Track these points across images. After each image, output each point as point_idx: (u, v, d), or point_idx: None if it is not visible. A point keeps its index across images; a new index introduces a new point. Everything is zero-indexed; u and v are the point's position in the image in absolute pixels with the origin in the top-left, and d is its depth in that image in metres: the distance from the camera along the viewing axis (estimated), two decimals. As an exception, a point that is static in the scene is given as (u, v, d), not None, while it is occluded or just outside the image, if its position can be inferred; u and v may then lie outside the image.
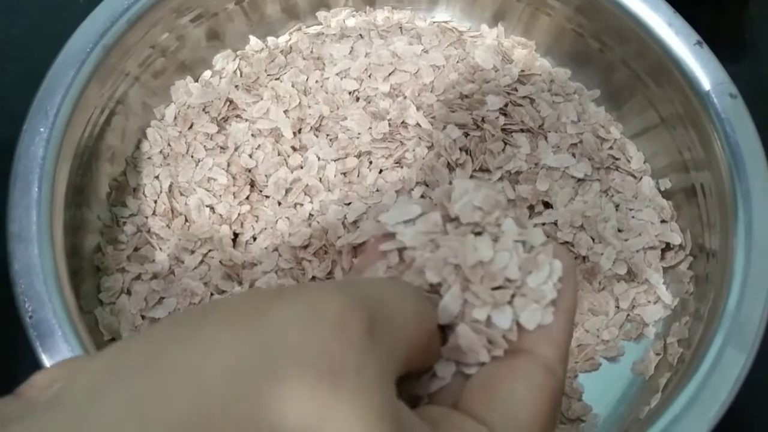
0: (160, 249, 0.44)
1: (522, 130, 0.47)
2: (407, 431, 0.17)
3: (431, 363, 0.20)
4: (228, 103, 0.47)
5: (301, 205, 0.45)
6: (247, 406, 0.15)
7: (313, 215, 0.45)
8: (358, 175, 0.46)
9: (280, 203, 0.45)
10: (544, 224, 0.45)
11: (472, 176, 0.45)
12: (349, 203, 0.45)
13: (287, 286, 0.18)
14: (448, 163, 0.45)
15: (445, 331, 0.21)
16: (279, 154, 0.46)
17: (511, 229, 0.21)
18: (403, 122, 0.46)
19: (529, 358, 0.20)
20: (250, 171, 0.46)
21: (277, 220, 0.44)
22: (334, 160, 0.46)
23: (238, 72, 0.50)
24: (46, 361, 0.33)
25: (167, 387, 0.15)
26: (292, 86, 0.48)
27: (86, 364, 0.17)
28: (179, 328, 0.16)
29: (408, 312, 0.19)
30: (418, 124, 0.46)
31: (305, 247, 0.43)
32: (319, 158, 0.46)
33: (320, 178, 0.45)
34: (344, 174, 0.46)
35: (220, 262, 0.43)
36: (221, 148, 0.46)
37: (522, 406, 0.19)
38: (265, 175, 0.45)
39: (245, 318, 0.16)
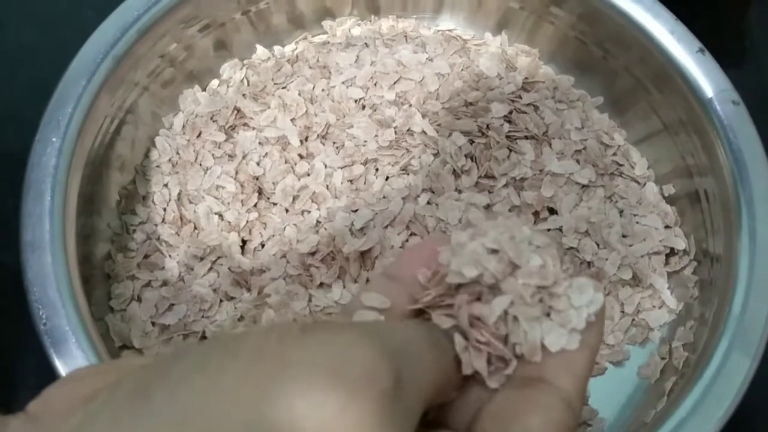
0: (170, 256, 0.44)
1: (526, 137, 0.47)
2: None
3: (449, 396, 0.20)
4: (235, 111, 0.48)
5: (309, 212, 0.45)
6: None
7: (320, 222, 0.45)
8: (364, 183, 0.46)
9: (287, 210, 0.46)
10: (549, 230, 0.45)
11: (477, 183, 0.46)
12: (356, 210, 0.45)
13: (311, 323, 0.17)
14: (454, 170, 0.46)
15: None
16: (286, 162, 0.47)
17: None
18: (408, 130, 0.47)
19: (548, 390, 0.19)
20: (257, 179, 0.46)
21: (284, 227, 0.45)
22: (341, 168, 0.46)
23: (246, 81, 0.50)
24: (60, 367, 0.34)
25: (192, 426, 0.15)
26: (299, 95, 0.48)
27: (108, 396, 0.17)
28: (199, 377, 0.16)
29: (429, 362, 0.19)
30: (423, 132, 0.47)
31: (313, 253, 0.44)
32: (326, 166, 0.46)
33: (327, 186, 0.46)
34: (351, 181, 0.46)
35: (229, 269, 0.44)
36: (229, 156, 0.47)
37: None
38: (273, 183, 0.46)
39: (268, 368, 0.16)
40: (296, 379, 0.15)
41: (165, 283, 0.43)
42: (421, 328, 0.20)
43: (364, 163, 0.46)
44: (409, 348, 0.18)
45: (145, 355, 0.20)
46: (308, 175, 0.46)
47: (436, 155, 0.47)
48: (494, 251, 0.21)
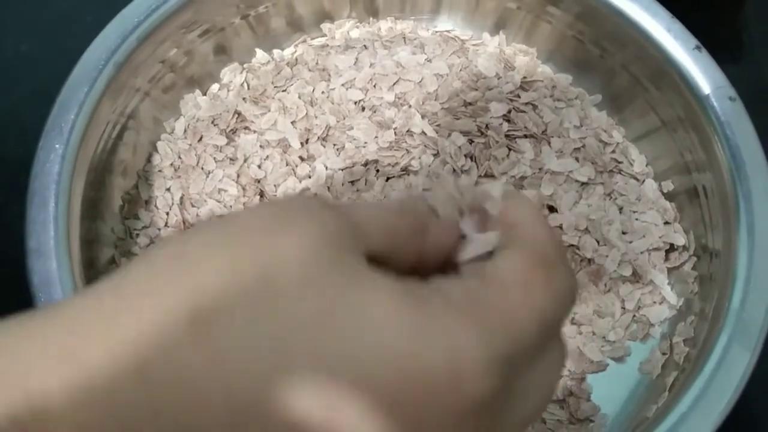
0: (173, 260, 0.44)
1: (525, 136, 0.48)
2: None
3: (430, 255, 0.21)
4: (236, 115, 0.48)
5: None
6: None
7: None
8: (365, 184, 0.46)
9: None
10: (549, 228, 0.45)
11: (477, 183, 0.46)
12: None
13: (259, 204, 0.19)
14: (454, 170, 0.46)
15: None
16: (287, 165, 0.47)
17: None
18: (408, 131, 0.47)
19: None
20: (259, 181, 0.47)
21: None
22: (342, 170, 0.47)
23: (246, 85, 0.50)
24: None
25: None
26: (299, 97, 0.49)
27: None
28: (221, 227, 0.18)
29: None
30: (423, 132, 0.47)
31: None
32: (326, 167, 0.47)
33: (328, 187, 0.46)
34: (352, 182, 0.47)
35: (232, 271, 0.44)
36: (230, 159, 0.47)
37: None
38: (274, 185, 0.46)
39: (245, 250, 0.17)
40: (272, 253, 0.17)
41: (169, 287, 0.44)
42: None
43: (365, 165, 0.47)
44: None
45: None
46: (309, 177, 0.47)
47: (435, 155, 0.47)
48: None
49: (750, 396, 0.35)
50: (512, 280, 0.18)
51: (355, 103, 0.49)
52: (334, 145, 0.48)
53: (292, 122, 0.48)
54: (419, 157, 0.47)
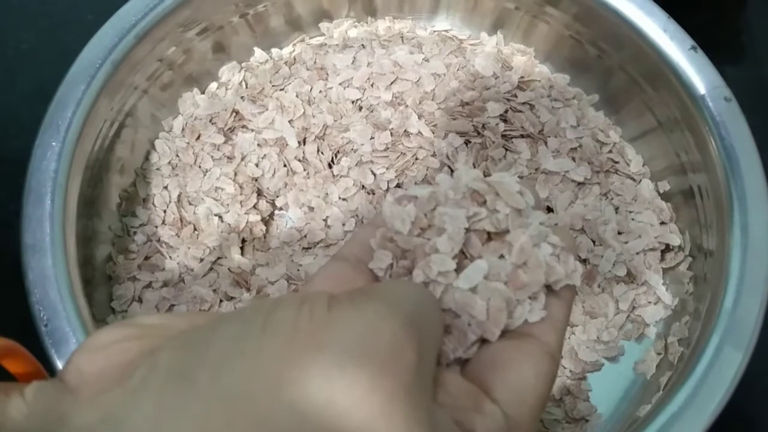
0: (170, 257, 0.45)
1: (522, 136, 0.48)
2: None
3: None
4: (234, 113, 0.48)
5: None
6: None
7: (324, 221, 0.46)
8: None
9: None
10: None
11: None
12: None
13: (339, 297, 0.18)
14: (451, 171, 0.46)
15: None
16: (284, 166, 0.47)
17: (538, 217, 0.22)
18: (405, 131, 0.47)
19: (536, 344, 0.21)
20: (256, 180, 0.47)
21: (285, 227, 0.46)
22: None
23: (244, 83, 0.51)
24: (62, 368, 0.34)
25: (242, 418, 0.16)
26: (297, 96, 0.49)
27: (148, 377, 0.17)
28: (240, 359, 0.17)
29: (438, 319, 0.20)
30: (419, 133, 0.47)
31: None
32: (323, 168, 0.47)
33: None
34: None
35: (229, 269, 0.44)
36: (228, 158, 0.47)
37: (530, 390, 0.20)
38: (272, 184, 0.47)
39: (302, 350, 0.17)
40: (328, 362, 0.16)
41: (165, 284, 0.44)
42: (423, 286, 0.21)
43: (359, 166, 0.47)
44: (426, 308, 0.20)
45: (162, 316, 0.20)
46: (307, 176, 0.47)
47: (432, 156, 0.47)
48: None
49: (742, 396, 0.35)
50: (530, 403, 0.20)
51: (353, 102, 0.49)
52: (330, 146, 0.48)
53: (290, 121, 0.48)
54: (415, 159, 0.47)
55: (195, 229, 0.46)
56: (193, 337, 0.18)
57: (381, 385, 0.16)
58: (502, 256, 0.21)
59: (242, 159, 0.47)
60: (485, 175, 0.45)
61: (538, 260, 0.21)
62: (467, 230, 0.22)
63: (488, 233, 0.22)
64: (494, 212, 0.22)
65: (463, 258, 0.22)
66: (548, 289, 0.22)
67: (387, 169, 0.47)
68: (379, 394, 0.16)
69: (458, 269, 0.21)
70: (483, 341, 0.21)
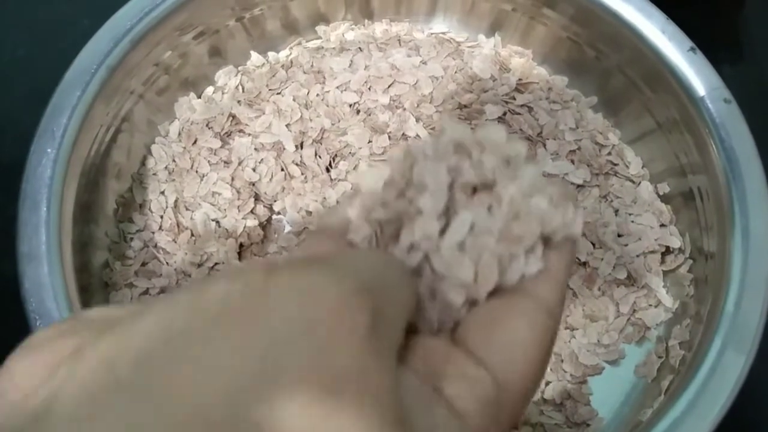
0: (167, 263, 0.44)
1: (521, 138, 0.48)
2: (413, 417, 0.16)
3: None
4: (231, 118, 0.48)
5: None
6: (249, 425, 0.14)
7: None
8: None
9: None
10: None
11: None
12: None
13: (276, 265, 0.16)
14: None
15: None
16: (282, 170, 0.47)
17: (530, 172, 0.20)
18: (403, 134, 0.47)
19: (530, 300, 0.19)
20: (253, 184, 0.46)
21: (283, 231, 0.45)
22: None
23: (240, 87, 0.50)
24: None
25: (168, 409, 0.14)
26: (294, 100, 0.49)
27: (72, 371, 0.16)
28: (164, 346, 0.15)
29: (402, 287, 0.18)
30: (417, 136, 0.47)
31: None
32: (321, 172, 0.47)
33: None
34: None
35: (226, 275, 0.44)
36: (225, 162, 0.47)
37: (522, 350, 0.18)
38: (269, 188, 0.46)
39: (236, 330, 0.15)
40: (264, 340, 0.15)
41: (163, 290, 0.44)
42: (385, 253, 0.20)
43: (357, 169, 0.47)
44: (383, 274, 0.18)
45: (102, 308, 0.19)
46: (305, 180, 0.47)
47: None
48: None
49: (745, 400, 0.35)
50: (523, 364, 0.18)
51: (350, 105, 0.49)
52: (327, 149, 0.47)
53: (287, 125, 0.48)
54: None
55: (192, 235, 0.45)
56: (120, 325, 0.16)
57: (326, 363, 0.14)
58: (491, 210, 0.19)
59: (239, 163, 0.47)
60: None
61: (531, 210, 0.19)
62: (451, 186, 0.20)
63: (474, 188, 0.20)
64: (479, 164, 0.20)
65: (450, 219, 0.20)
66: (546, 242, 0.20)
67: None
68: (326, 374, 0.14)
69: (446, 231, 0.19)
70: (472, 303, 0.19)
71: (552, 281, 0.20)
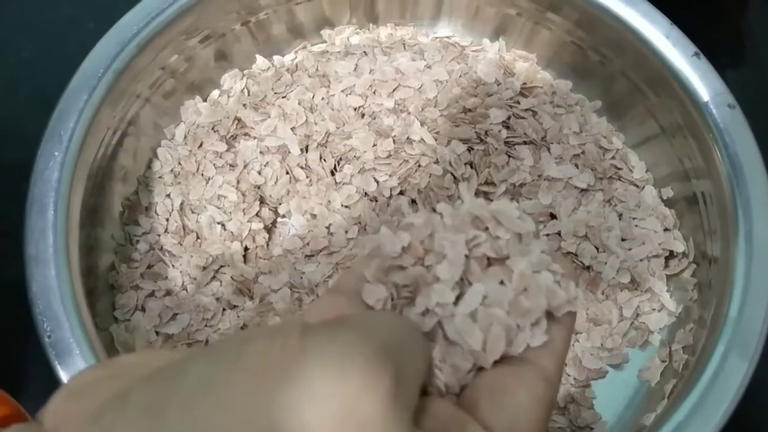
0: (173, 266, 0.45)
1: (525, 143, 0.48)
2: None
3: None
4: (236, 121, 0.48)
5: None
6: None
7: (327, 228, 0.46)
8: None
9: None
10: (548, 235, 0.45)
11: (477, 190, 0.46)
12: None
13: (311, 325, 0.18)
14: (454, 178, 0.46)
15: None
16: (287, 173, 0.47)
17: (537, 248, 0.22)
18: (407, 138, 0.47)
19: (533, 370, 0.21)
20: (259, 188, 0.47)
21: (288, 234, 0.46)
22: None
23: (246, 91, 0.51)
24: (66, 379, 0.34)
25: None
26: (299, 104, 0.49)
27: (118, 416, 0.17)
28: (209, 394, 0.16)
29: (419, 350, 0.20)
30: (422, 140, 0.47)
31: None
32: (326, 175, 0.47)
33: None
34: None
35: (232, 277, 0.44)
36: (230, 165, 0.47)
37: (525, 417, 0.20)
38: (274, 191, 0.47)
39: (274, 381, 0.16)
40: (301, 391, 0.16)
41: (168, 293, 0.44)
42: (404, 317, 0.21)
43: (362, 173, 0.47)
44: (403, 338, 0.19)
45: (141, 354, 0.20)
46: (309, 184, 0.47)
47: (435, 163, 0.47)
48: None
49: (748, 404, 0.35)
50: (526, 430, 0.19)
51: (355, 109, 0.49)
52: (332, 153, 0.48)
53: (292, 128, 0.48)
54: (418, 166, 0.47)
55: (197, 238, 0.45)
56: (164, 374, 0.18)
57: (354, 414, 0.16)
58: (502, 283, 0.21)
59: (244, 167, 0.47)
60: (487, 183, 0.45)
61: (539, 285, 0.21)
62: (467, 257, 0.21)
63: (488, 259, 0.22)
64: (495, 238, 0.21)
65: (464, 287, 0.21)
66: (548, 316, 0.21)
67: (390, 176, 0.46)
68: (353, 424, 0.16)
69: (459, 299, 0.21)
70: (479, 369, 0.21)
71: (553, 353, 0.21)
